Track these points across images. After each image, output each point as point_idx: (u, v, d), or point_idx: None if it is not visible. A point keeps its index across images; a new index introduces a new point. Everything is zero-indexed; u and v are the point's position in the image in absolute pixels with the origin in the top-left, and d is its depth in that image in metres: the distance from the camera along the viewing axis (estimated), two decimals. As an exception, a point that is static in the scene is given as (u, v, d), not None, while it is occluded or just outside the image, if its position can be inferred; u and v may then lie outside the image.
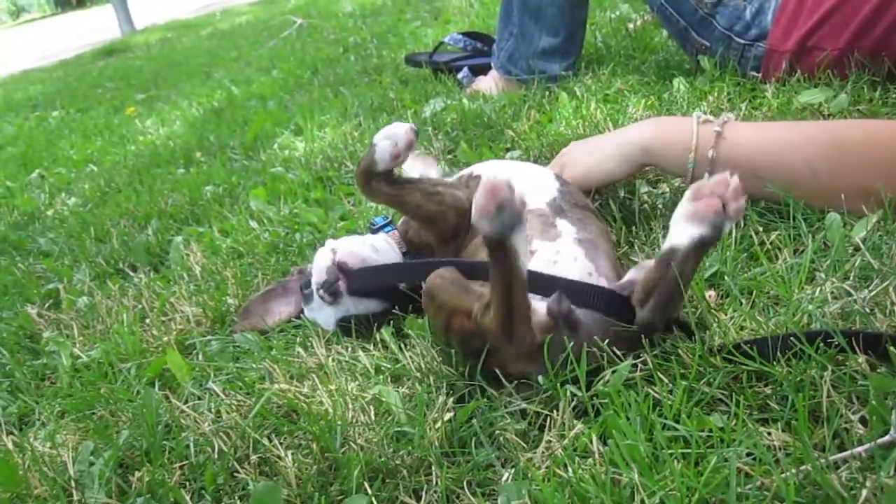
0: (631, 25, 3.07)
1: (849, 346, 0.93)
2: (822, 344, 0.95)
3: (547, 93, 2.43)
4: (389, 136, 1.38)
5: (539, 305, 1.08)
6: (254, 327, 1.53)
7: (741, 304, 1.16)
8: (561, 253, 1.22)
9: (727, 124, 1.41)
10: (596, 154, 1.55)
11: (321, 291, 1.39)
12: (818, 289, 1.13)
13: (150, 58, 7.65)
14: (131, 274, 2.04)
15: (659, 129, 1.49)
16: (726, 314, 1.15)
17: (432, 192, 1.42)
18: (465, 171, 1.56)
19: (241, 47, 6.35)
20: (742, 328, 1.11)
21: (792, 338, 0.97)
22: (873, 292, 1.09)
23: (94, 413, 1.39)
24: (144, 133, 3.92)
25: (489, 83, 2.73)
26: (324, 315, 1.44)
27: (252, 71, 4.87)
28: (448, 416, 1.08)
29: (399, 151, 1.38)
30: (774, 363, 0.98)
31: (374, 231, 1.57)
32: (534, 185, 1.41)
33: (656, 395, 1.00)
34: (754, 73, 2.04)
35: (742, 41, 2.04)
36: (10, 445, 1.33)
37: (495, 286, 1.00)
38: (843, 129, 1.36)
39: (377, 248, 1.46)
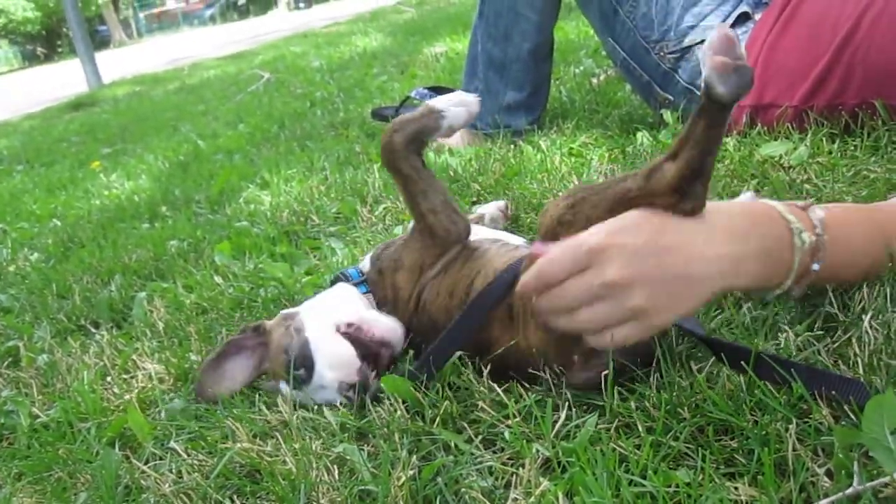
0: (595, 80, 3.11)
1: (811, 398, 0.93)
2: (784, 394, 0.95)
3: (512, 147, 2.45)
4: (461, 104, 1.30)
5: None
6: (215, 398, 1.40)
7: (707, 357, 1.16)
8: None
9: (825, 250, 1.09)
10: (685, 298, 1.04)
11: (346, 392, 1.25)
12: (782, 339, 1.14)
13: (118, 112, 7.64)
14: (93, 331, 2.01)
15: (766, 269, 1.07)
16: (695, 364, 1.15)
17: (452, 207, 1.33)
18: None
19: (208, 101, 6.37)
20: (709, 380, 1.11)
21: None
22: (836, 343, 1.09)
23: (52, 475, 1.36)
24: (109, 187, 3.89)
25: (455, 137, 2.75)
26: (327, 394, 1.29)
27: (219, 125, 4.88)
28: (411, 472, 1.06)
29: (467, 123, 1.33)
30: (740, 416, 0.98)
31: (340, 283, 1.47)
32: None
33: (622, 450, 0.99)
34: (716, 127, 2.07)
35: (703, 95, 2.07)
36: (-37, 510, 1.30)
37: (696, 144, 0.97)
38: None
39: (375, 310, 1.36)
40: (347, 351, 1.27)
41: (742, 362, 1.01)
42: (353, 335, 1.30)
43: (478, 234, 1.41)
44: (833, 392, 0.95)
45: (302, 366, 1.29)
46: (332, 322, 1.32)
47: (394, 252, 1.41)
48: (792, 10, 1.89)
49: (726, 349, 1.07)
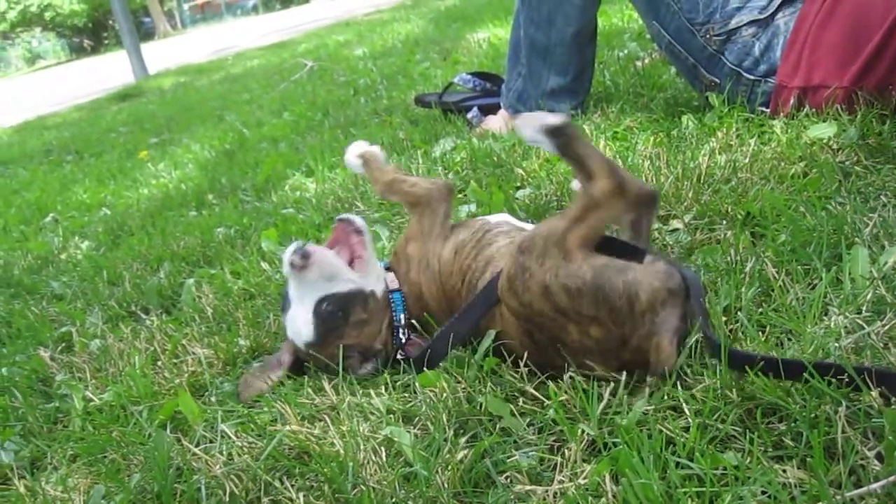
0: (639, 63, 3.09)
1: (863, 383, 0.92)
2: (835, 379, 0.94)
3: (556, 131, 2.43)
4: None
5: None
6: (259, 391, 1.46)
7: (753, 339, 1.16)
8: None
9: None
10: None
11: (292, 256, 1.38)
12: (831, 322, 1.12)
13: (164, 102, 7.73)
14: (143, 316, 2.05)
15: None
16: (741, 348, 1.14)
17: (429, 179, 1.58)
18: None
19: (252, 90, 6.41)
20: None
21: (806, 366, 0.96)
22: (886, 326, 1.08)
23: (105, 456, 1.39)
24: (157, 176, 3.95)
25: (498, 122, 2.75)
26: (303, 310, 1.41)
27: (263, 113, 4.91)
28: (460, 455, 1.07)
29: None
30: (789, 398, 0.97)
31: None
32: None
33: (669, 432, 0.99)
34: (763, 109, 2.04)
35: (751, 77, 2.04)
36: (22, 490, 1.33)
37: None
38: None
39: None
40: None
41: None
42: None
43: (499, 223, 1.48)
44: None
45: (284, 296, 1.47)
46: None
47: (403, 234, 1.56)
48: (842, -11, 1.86)
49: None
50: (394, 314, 1.45)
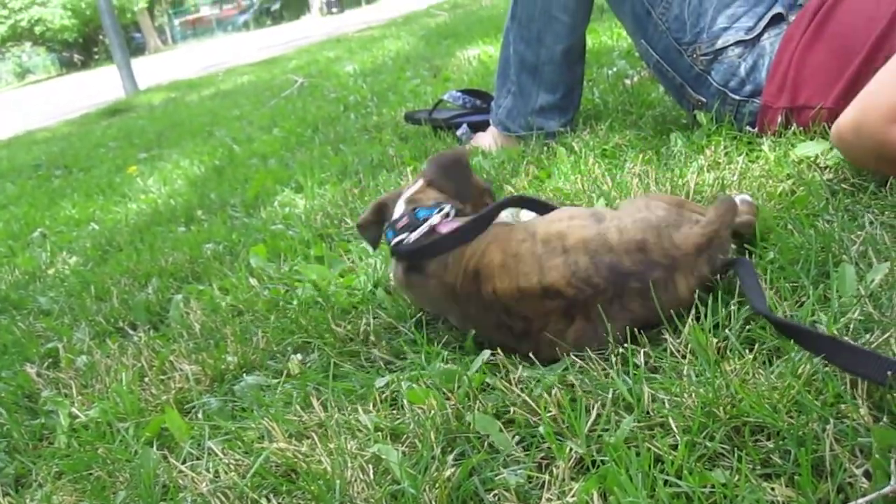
0: (628, 81, 3.10)
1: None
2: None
3: (545, 149, 2.44)
4: None
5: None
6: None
7: (742, 356, 1.16)
8: None
9: None
10: None
11: None
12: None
13: (153, 117, 7.72)
14: (131, 332, 2.04)
15: None
16: (729, 365, 1.14)
17: None
18: None
19: (242, 106, 6.41)
20: (745, 381, 1.10)
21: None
22: (874, 343, 1.08)
23: (91, 474, 1.38)
24: (146, 191, 3.94)
25: (488, 140, 2.75)
26: None
27: (253, 129, 4.91)
28: (448, 473, 1.07)
29: None
30: (777, 416, 0.97)
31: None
32: None
33: (657, 449, 0.99)
34: (749, 129, 2.05)
35: (737, 97, 2.06)
36: (6, 507, 1.32)
37: None
38: None
39: None
40: None
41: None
42: None
43: None
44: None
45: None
46: None
47: None
48: (826, 10, 1.88)
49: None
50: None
